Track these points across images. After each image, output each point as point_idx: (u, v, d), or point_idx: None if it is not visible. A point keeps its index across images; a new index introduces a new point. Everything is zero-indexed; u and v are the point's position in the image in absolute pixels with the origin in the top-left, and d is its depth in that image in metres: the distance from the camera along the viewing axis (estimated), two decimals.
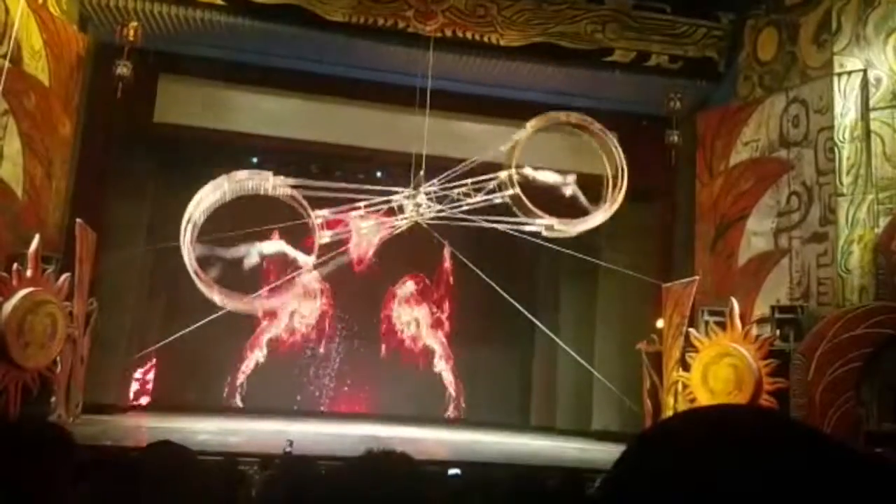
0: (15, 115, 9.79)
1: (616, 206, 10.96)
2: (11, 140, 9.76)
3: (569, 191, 11.13)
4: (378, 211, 11.14)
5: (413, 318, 16.51)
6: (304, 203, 10.70)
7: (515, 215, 11.02)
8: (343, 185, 11.00)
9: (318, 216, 10.78)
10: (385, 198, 11.14)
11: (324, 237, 10.85)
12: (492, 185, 11.02)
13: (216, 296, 10.38)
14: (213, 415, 12.83)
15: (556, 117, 11.11)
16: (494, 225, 11.15)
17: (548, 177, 11.19)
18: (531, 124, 10.88)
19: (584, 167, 13.17)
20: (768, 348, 10.44)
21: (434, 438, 11.77)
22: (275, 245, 11.26)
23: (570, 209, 11.16)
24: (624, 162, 10.89)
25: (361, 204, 11.00)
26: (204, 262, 10.31)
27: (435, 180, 11.01)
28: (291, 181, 10.74)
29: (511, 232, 11.16)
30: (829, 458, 0.65)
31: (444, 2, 11.71)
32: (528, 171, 11.05)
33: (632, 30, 12.11)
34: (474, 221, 11.03)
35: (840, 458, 0.65)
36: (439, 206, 11.18)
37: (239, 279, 10.85)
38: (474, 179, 11.05)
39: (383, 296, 16.28)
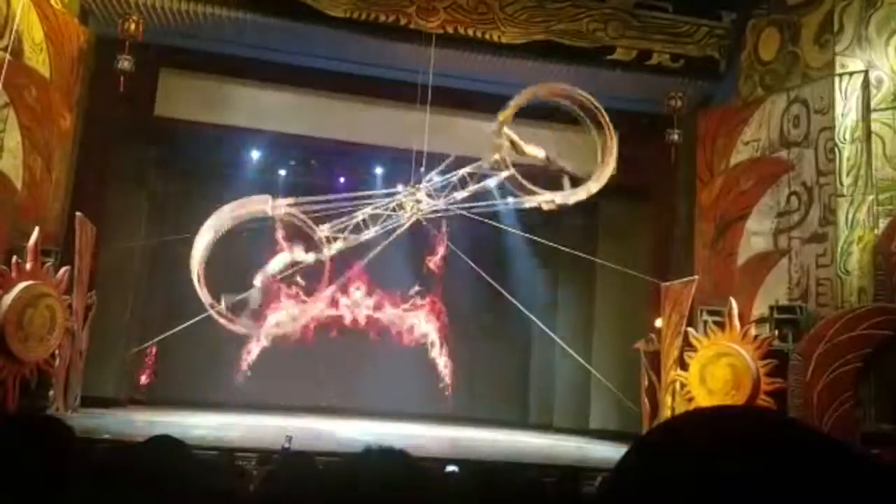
0: (15, 107, 9.78)
1: (608, 171, 10.92)
2: (12, 133, 9.75)
3: (559, 165, 11.16)
4: (379, 217, 11.14)
5: (412, 314, 16.50)
6: (307, 220, 10.72)
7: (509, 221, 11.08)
8: (343, 195, 11.04)
9: (322, 230, 10.82)
10: (385, 202, 11.15)
11: (333, 248, 10.89)
12: (485, 168, 11.01)
13: (240, 327, 10.56)
14: (211, 409, 12.83)
15: (534, 91, 10.92)
16: (498, 206, 11.17)
17: (537, 152, 11.17)
18: (513, 101, 10.71)
19: (588, 166, 13.19)
20: (767, 348, 10.44)
21: (432, 435, 11.78)
22: (280, 260, 11.27)
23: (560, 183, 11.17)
24: (612, 128, 10.85)
25: (362, 213, 10.98)
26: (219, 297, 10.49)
27: (432, 173, 11.00)
28: (290, 200, 10.76)
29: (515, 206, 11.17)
30: (830, 459, 0.65)
31: None
32: (520, 146, 11.00)
33: (633, 28, 12.10)
34: (473, 208, 11.04)
35: (841, 458, 0.65)
36: (438, 202, 11.20)
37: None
38: (469, 167, 11.05)
39: (383, 292, 16.27)
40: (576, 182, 11.05)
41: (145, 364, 14.14)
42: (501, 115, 10.58)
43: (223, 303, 10.51)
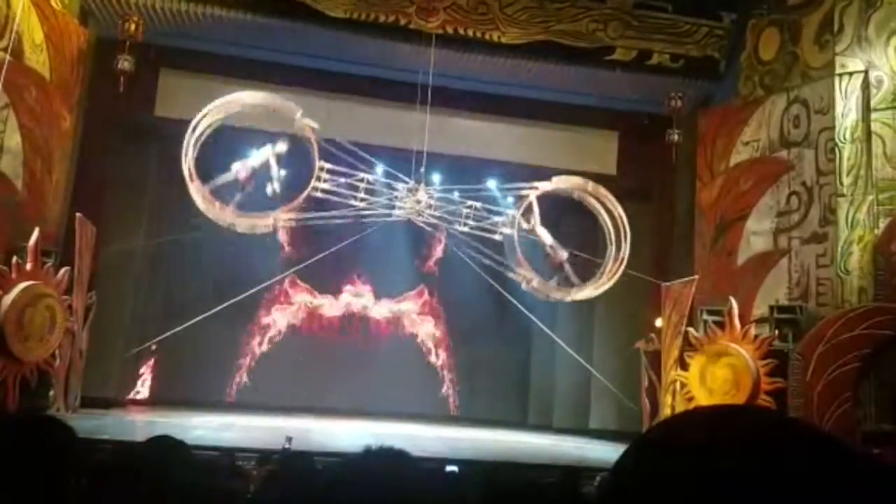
0: (15, 108, 9.77)
1: (611, 283, 11.30)
2: (12, 133, 9.75)
3: (560, 257, 11.51)
4: (375, 193, 11.25)
5: (413, 314, 16.52)
6: (316, 151, 10.82)
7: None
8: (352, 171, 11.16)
9: (322, 167, 10.96)
10: (388, 181, 11.24)
11: (317, 191, 10.96)
12: (495, 220, 11.26)
13: (197, 194, 10.62)
14: (211, 410, 12.84)
15: (579, 184, 11.69)
16: (484, 259, 11.40)
17: (546, 236, 11.49)
18: (556, 180, 11.54)
19: (586, 166, 13.21)
20: (767, 348, 10.44)
21: (431, 435, 11.78)
22: (261, 154, 11.20)
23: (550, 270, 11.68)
24: (628, 238, 11.32)
25: (364, 177, 11.08)
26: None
27: (442, 187, 11.21)
28: (315, 124, 10.95)
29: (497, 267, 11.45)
30: (831, 458, 0.65)
31: None
32: (533, 221, 11.36)
33: (633, 28, 12.10)
34: (467, 244, 11.27)
35: (841, 457, 0.65)
36: (438, 210, 11.30)
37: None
38: (480, 205, 11.30)
39: (382, 291, 16.28)
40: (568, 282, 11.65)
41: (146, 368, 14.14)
42: (532, 194, 11.40)
43: (207, 187, 10.63)
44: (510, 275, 11.43)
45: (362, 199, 11.22)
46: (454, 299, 15.71)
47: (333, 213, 11.17)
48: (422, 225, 11.70)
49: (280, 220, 11.20)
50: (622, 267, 11.40)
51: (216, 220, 10.90)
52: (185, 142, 10.39)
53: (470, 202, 11.43)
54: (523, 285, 11.48)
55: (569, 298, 11.60)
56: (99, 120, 11.51)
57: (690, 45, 12.25)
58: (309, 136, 10.93)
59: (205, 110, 10.60)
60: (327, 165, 11.05)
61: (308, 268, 12.92)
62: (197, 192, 10.63)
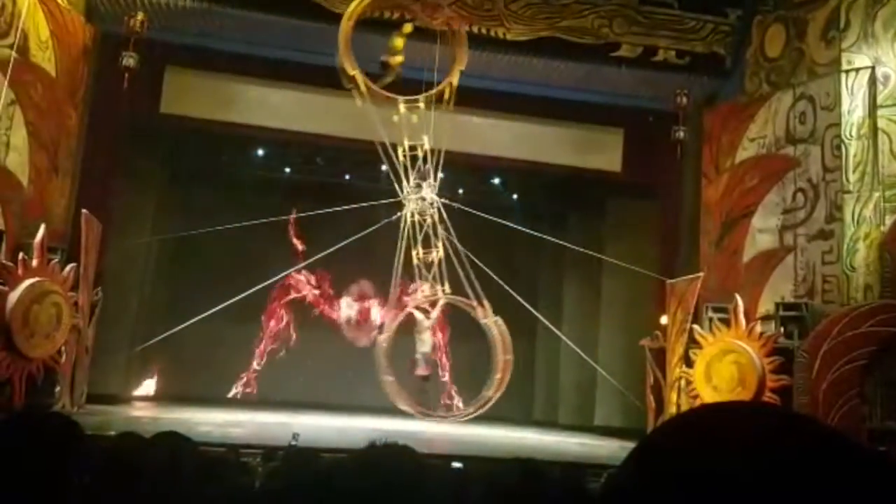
0: (21, 105, 9.80)
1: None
2: (18, 130, 9.78)
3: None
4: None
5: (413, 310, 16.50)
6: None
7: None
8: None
9: None
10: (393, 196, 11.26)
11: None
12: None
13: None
14: (217, 406, 12.86)
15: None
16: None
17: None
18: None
19: (592, 163, 13.20)
20: (772, 345, 10.42)
21: (436, 431, 11.78)
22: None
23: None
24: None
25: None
26: None
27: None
28: None
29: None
30: (837, 454, 0.65)
31: None
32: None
33: (639, 25, 12.07)
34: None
35: (848, 453, 0.65)
36: (444, 201, 11.26)
37: None
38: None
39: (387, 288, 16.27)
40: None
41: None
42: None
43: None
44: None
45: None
46: (459, 295, 15.70)
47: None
48: (431, 220, 11.68)
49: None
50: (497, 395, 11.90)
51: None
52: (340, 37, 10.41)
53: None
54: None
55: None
56: (104, 117, 11.52)
57: (696, 41, 12.21)
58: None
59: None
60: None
61: (315, 264, 12.96)
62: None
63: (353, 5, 10.53)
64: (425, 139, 11.19)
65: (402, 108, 10.85)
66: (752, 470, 0.63)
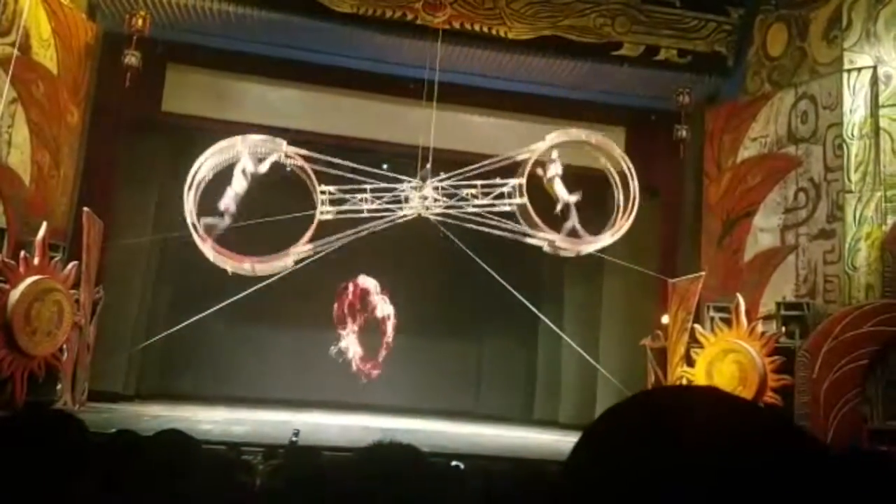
0: (23, 103, 9.81)
1: (622, 232, 11.18)
2: (20, 128, 9.79)
3: (570, 203, 11.27)
4: (383, 198, 11.20)
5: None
6: (313, 176, 10.79)
7: (520, 223, 11.20)
8: (352, 165, 11.07)
9: (324, 191, 10.86)
10: (392, 186, 11.20)
11: (326, 214, 10.91)
12: (501, 189, 11.14)
13: (209, 251, 10.53)
14: (218, 404, 12.87)
15: (578, 136, 11.37)
16: (499, 232, 11.25)
17: (560, 189, 11.30)
18: (551, 137, 11.17)
19: (593, 161, 13.20)
20: (774, 345, 10.42)
21: (437, 430, 11.79)
22: (238, 178, 10.99)
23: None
24: (637, 190, 11.11)
25: (368, 187, 11.05)
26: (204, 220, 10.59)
27: (445, 176, 11.09)
28: (304, 152, 10.86)
29: (516, 238, 11.30)
30: (773, 438, 0.65)
31: None
32: (553, 171, 11.21)
33: (641, 24, 12.06)
34: (479, 224, 11.14)
35: (784, 437, 0.65)
36: (446, 202, 11.23)
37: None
38: (485, 182, 11.15)
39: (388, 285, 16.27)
40: (574, 233, 11.32)
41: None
42: (535, 147, 11.11)
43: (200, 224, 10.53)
44: (529, 240, 11.29)
45: (370, 209, 11.17)
46: (460, 295, 15.72)
47: (348, 233, 11.12)
48: (432, 220, 11.65)
49: (298, 255, 11.12)
50: (635, 208, 11.19)
51: (237, 272, 10.95)
52: (185, 198, 10.38)
53: (475, 182, 11.28)
54: (545, 247, 11.34)
55: (592, 249, 11.43)
56: (106, 115, 11.54)
57: (698, 40, 12.21)
58: (301, 165, 10.92)
59: (198, 161, 10.60)
60: (329, 188, 11.00)
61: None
62: (210, 250, 10.66)
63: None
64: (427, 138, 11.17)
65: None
66: (688, 454, 0.62)
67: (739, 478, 0.61)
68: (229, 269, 10.90)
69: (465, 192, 11.13)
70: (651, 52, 12.14)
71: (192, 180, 10.51)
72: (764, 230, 11.41)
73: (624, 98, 12.96)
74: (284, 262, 11.07)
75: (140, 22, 10.98)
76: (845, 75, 10.47)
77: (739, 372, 10.53)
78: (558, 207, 11.28)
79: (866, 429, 9.27)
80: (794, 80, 11.39)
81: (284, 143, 10.99)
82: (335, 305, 12.46)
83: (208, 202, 10.78)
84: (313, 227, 10.91)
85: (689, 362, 11.20)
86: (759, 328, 10.71)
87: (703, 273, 11.70)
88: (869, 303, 9.73)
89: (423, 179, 11.19)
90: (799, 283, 10.81)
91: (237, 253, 10.88)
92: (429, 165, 11.10)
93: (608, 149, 11.54)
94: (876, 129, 10.15)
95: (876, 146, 10.12)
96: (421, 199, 11.22)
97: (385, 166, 11.93)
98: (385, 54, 12.13)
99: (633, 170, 11.23)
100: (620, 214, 11.34)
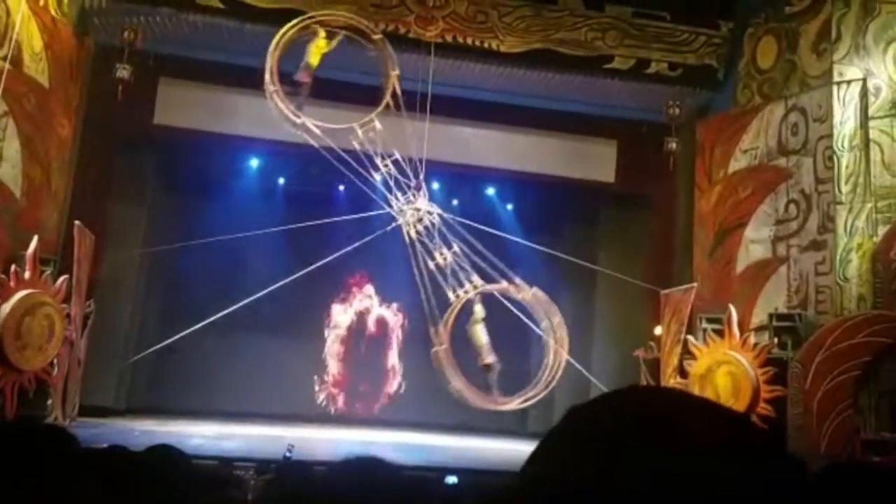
0: (14, 116, 9.78)
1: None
2: (11, 141, 9.74)
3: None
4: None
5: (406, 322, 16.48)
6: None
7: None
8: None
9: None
10: (387, 205, 11.21)
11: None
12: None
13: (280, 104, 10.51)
14: (210, 418, 12.80)
15: (502, 289, 11.42)
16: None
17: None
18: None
19: (585, 174, 13.26)
20: (766, 356, 10.43)
21: (431, 444, 11.75)
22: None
23: None
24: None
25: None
26: None
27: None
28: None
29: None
30: (712, 429, 0.64)
31: (445, 8, 11.73)
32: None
33: (632, 37, 12.13)
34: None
35: (730, 424, 0.65)
36: (439, 212, 11.24)
37: None
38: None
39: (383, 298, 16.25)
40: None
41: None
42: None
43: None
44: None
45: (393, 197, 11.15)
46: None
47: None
48: (427, 231, 11.66)
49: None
50: (558, 373, 11.35)
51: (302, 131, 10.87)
52: (268, 62, 10.28)
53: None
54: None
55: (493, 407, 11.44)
56: (98, 128, 11.52)
57: (689, 53, 12.28)
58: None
59: (283, 29, 10.41)
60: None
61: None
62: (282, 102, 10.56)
63: (278, 35, 10.37)
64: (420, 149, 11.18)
65: (358, 131, 10.86)
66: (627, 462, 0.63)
67: (701, 481, 0.60)
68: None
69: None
70: (642, 65, 12.20)
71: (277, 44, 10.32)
72: (755, 242, 11.44)
73: (615, 111, 13.02)
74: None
75: (132, 36, 10.99)
76: (835, 87, 10.54)
77: (732, 383, 10.53)
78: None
79: (859, 439, 9.27)
80: (784, 92, 11.46)
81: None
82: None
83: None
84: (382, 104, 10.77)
85: (682, 374, 11.20)
86: (752, 339, 10.71)
87: (695, 284, 11.73)
88: (861, 313, 9.75)
89: (417, 191, 11.21)
90: (791, 294, 10.83)
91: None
92: (422, 177, 11.11)
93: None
94: (866, 141, 10.21)
95: (866, 158, 10.18)
96: (415, 210, 11.22)
97: (378, 179, 11.93)
98: (378, 67, 12.14)
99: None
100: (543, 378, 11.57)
